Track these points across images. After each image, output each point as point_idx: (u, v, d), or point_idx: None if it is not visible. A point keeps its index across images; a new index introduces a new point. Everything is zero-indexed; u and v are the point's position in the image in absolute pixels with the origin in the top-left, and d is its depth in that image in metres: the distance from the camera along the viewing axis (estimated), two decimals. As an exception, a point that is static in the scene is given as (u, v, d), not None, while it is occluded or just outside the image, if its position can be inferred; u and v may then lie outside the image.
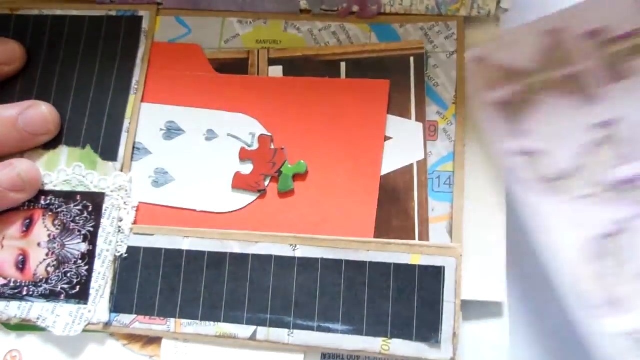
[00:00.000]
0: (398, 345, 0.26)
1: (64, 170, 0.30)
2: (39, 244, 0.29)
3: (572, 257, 0.24)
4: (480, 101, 0.27)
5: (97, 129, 0.31)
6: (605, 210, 0.23)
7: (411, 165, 0.28)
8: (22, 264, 0.28)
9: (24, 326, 0.29)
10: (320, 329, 0.26)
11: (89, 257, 0.28)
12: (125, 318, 0.27)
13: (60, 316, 0.28)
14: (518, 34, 0.27)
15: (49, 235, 0.29)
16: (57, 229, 0.29)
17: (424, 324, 0.25)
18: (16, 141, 0.29)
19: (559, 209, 0.24)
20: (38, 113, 0.29)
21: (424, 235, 0.27)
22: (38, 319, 0.28)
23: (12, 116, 0.29)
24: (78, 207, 0.30)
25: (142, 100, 0.30)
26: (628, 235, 0.23)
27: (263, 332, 0.27)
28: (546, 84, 0.26)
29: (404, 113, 0.29)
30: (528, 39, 0.27)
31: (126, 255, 0.28)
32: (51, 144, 0.31)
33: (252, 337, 0.27)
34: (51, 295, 0.28)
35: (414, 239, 0.27)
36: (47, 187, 0.30)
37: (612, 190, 0.23)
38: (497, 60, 0.27)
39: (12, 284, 0.28)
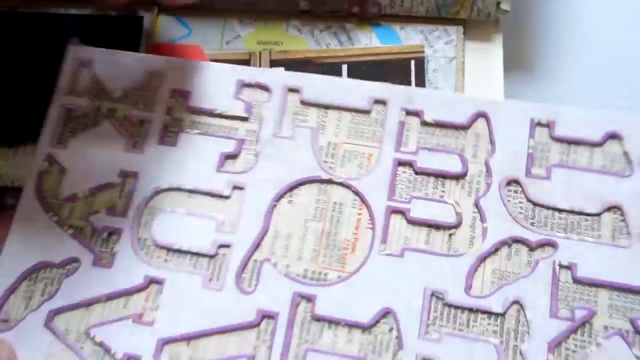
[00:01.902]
0: None
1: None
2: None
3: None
4: (56, 98, 0.28)
5: None
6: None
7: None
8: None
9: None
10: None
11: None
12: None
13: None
14: (125, 58, 0.28)
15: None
16: None
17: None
18: None
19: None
20: None
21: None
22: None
23: None
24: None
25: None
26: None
27: None
28: (112, 114, 0.28)
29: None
30: (129, 66, 0.28)
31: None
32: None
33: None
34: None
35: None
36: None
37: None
38: (95, 70, 0.28)
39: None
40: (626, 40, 0.34)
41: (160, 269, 0.25)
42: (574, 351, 0.23)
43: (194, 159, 0.27)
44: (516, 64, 0.34)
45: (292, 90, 0.28)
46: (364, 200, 0.26)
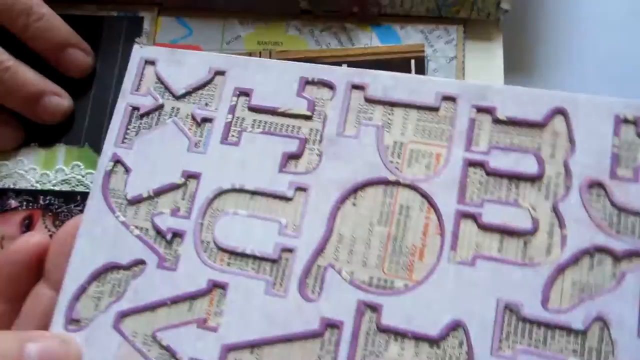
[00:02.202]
0: None
1: (62, 169, 0.31)
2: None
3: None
4: (121, 97, 0.28)
5: (97, 128, 0.31)
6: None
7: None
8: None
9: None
10: None
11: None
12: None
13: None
14: (189, 57, 0.28)
15: (50, 236, 0.29)
16: (58, 229, 0.29)
17: None
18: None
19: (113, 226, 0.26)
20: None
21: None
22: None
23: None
24: (79, 208, 0.30)
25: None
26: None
27: None
28: (175, 113, 0.27)
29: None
30: (196, 66, 0.28)
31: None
32: (49, 142, 0.31)
33: None
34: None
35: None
36: (46, 187, 0.31)
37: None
38: (159, 69, 0.28)
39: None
40: (626, 40, 0.35)
41: (223, 273, 0.25)
42: (666, 376, 0.21)
43: (256, 159, 0.26)
44: (516, 64, 0.34)
45: (357, 87, 0.27)
46: (432, 204, 0.25)
